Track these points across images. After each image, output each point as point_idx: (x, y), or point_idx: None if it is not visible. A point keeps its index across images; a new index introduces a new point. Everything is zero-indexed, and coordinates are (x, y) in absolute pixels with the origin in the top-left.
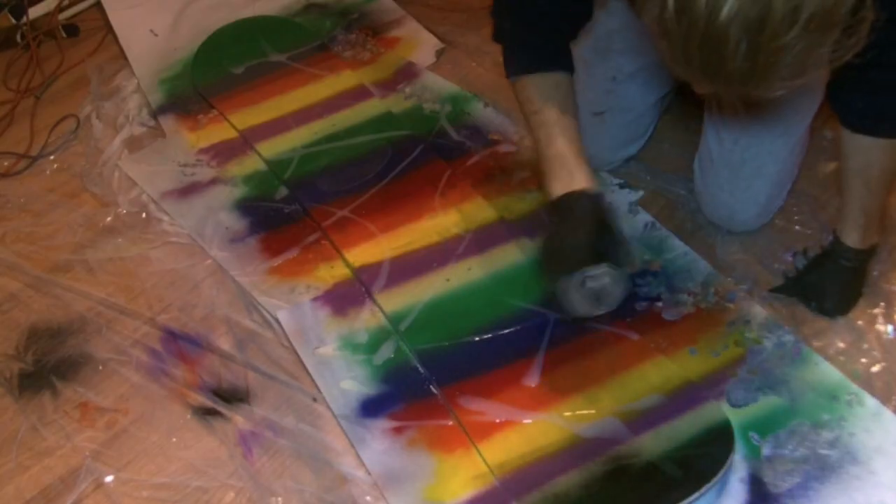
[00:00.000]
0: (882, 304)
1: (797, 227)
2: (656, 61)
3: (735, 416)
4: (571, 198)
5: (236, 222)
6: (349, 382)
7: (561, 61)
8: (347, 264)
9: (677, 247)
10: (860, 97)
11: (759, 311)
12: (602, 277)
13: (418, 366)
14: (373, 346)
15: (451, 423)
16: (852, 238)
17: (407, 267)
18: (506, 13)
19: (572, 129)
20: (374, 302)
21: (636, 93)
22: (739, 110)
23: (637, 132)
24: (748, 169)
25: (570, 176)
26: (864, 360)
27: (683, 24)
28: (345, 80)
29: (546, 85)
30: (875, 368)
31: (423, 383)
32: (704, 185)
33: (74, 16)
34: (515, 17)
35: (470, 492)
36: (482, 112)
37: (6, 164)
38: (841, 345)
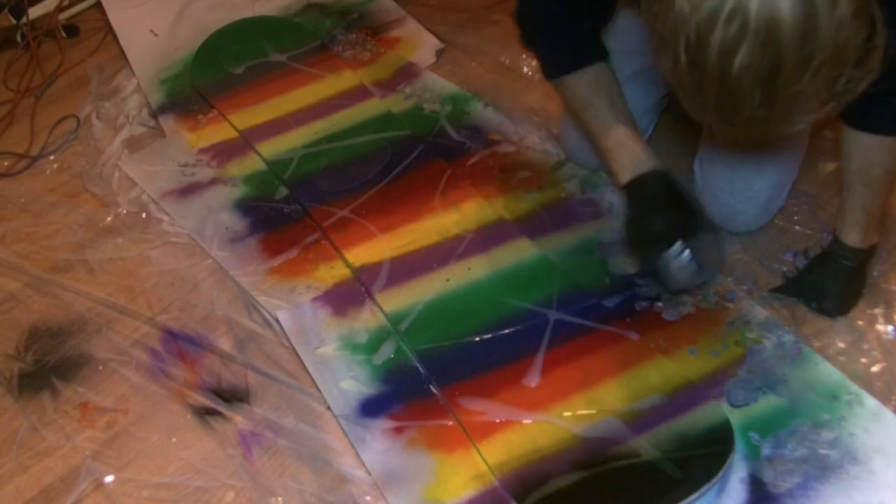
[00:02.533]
0: (882, 304)
1: (797, 227)
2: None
3: (735, 416)
4: (644, 179)
5: (236, 222)
6: (349, 382)
7: (595, 54)
8: (347, 264)
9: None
10: (862, 96)
11: (759, 311)
12: (700, 243)
13: (418, 366)
14: (373, 346)
15: (451, 423)
16: (852, 237)
17: (407, 267)
18: (531, 17)
19: (624, 116)
20: (374, 302)
21: (636, 94)
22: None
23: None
24: (748, 169)
25: (636, 159)
26: (864, 360)
27: (696, 76)
28: (345, 80)
29: (588, 80)
30: (875, 368)
31: (423, 383)
32: (704, 185)
33: (74, 16)
34: (542, 20)
35: (470, 492)
36: (482, 112)
37: (6, 164)
38: (841, 345)
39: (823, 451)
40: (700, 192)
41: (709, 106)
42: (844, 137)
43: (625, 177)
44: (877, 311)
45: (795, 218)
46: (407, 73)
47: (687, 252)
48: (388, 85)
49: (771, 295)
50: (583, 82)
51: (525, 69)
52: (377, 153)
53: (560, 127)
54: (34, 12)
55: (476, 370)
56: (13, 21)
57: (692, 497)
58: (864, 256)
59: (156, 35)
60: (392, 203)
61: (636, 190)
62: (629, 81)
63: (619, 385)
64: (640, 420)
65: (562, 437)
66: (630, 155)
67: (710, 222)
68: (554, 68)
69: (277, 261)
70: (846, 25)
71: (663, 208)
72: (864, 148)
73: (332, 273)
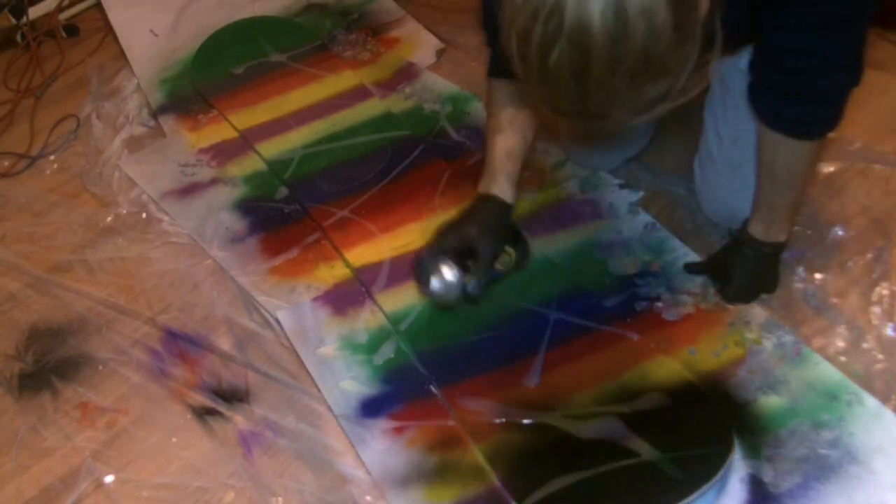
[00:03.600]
0: (882, 304)
1: (797, 228)
2: None
3: (735, 416)
4: (483, 198)
5: (236, 222)
6: (349, 382)
7: None
8: (347, 264)
9: (677, 247)
10: (772, 95)
11: (759, 311)
12: (447, 274)
13: (418, 366)
14: (373, 346)
15: (451, 423)
16: (756, 229)
17: (407, 267)
18: (486, 20)
19: (513, 138)
20: (374, 302)
21: None
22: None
23: (638, 136)
24: (748, 168)
25: (491, 179)
26: (864, 359)
27: (522, 66)
28: (345, 80)
29: (507, 91)
30: (875, 368)
31: (423, 383)
32: (704, 183)
33: (74, 16)
34: (490, 24)
35: (470, 492)
36: (482, 112)
37: (6, 164)
38: (841, 345)
39: (823, 451)
40: (700, 190)
41: (533, 94)
42: (758, 132)
43: (479, 188)
44: (877, 310)
45: (795, 218)
46: (407, 73)
47: (435, 270)
48: (388, 85)
49: (770, 296)
50: (501, 91)
51: None
52: (377, 153)
53: (561, 129)
54: (34, 12)
55: (476, 370)
56: (13, 21)
57: (692, 497)
58: (769, 250)
59: (156, 35)
60: (392, 203)
61: (474, 203)
62: None
63: (619, 385)
64: (640, 420)
65: (562, 438)
66: (489, 173)
67: (485, 272)
68: (489, 69)
69: (277, 261)
70: (662, 37)
71: (470, 227)
72: (771, 144)
73: (332, 273)
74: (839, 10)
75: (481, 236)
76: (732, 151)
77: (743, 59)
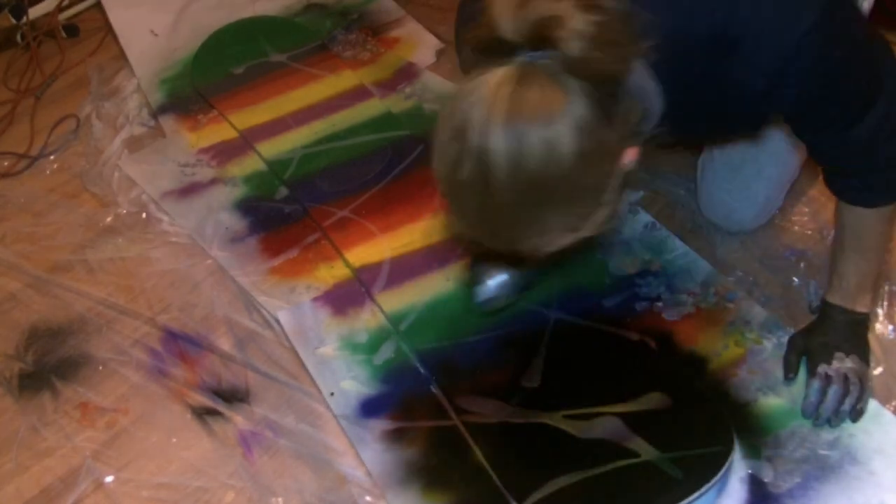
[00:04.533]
0: (882, 304)
1: (796, 228)
2: None
3: (735, 416)
4: None
5: (236, 222)
6: (349, 382)
7: None
8: (347, 264)
9: (677, 247)
10: (835, 175)
11: (759, 311)
12: (499, 276)
13: (418, 366)
14: (373, 346)
15: (451, 423)
16: (843, 301)
17: (407, 267)
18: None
19: None
20: (374, 302)
21: None
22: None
23: None
24: (748, 170)
25: None
26: None
27: (440, 182)
28: (345, 80)
29: None
30: (875, 369)
31: (423, 383)
32: (704, 183)
33: (74, 16)
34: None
35: (470, 492)
36: None
37: (6, 164)
38: None
39: (823, 452)
40: (699, 190)
41: (453, 213)
42: (838, 209)
43: None
44: (877, 310)
45: (795, 218)
46: (407, 73)
47: (504, 276)
48: (388, 85)
49: (769, 295)
50: None
51: None
52: (377, 153)
53: None
54: (34, 12)
55: (476, 370)
56: (13, 21)
57: (692, 497)
58: (857, 316)
59: (156, 35)
60: (392, 203)
61: None
62: None
63: (619, 385)
64: (640, 420)
65: (562, 438)
66: None
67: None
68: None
69: (277, 261)
70: (561, 164)
71: None
72: (855, 217)
73: (332, 273)
74: (853, 98)
75: None
76: (733, 153)
77: None
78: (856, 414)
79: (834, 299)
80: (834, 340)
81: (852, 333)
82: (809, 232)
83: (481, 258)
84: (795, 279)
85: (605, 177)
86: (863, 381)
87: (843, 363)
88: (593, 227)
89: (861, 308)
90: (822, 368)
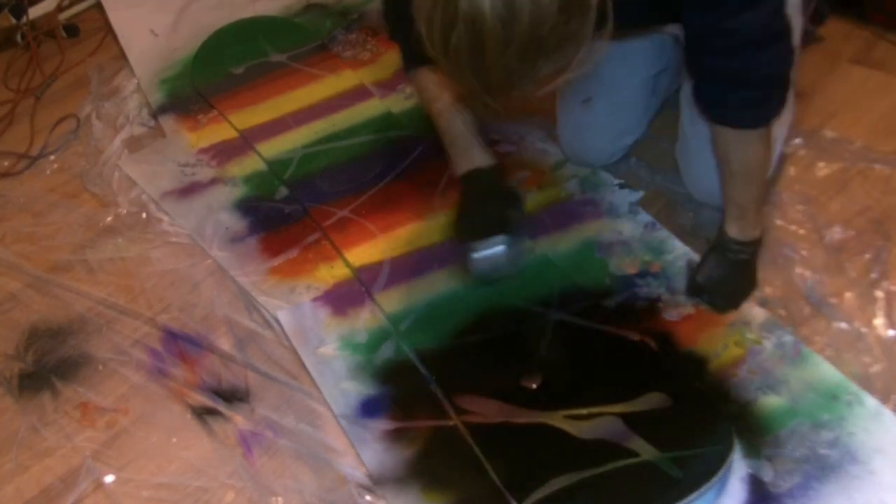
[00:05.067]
0: (882, 304)
1: (793, 227)
2: (635, 37)
3: (735, 416)
4: (473, 175)
5: (236, 222)
6: (349, 382)
7: None
8: (347, 264)
9: (677, 247)
10: (707, 85)
11: (759, 312)
12: (498, 248)
13: (418, 366)
14: (373, 346)
15: (451, 423)
16: (731, 229)
17: (407, 267)
18: (393, 13)
19: (466, 112)
20: (374, 302)
21: (620, 72)
22: None
23: (630, 122)
24: None
25: (469, 155)
26: (864, 359)
27: (431, 50)
28: (345, 80)
29: (434, 77)
30: (875, 368)
31: (423, 383)
32: (682, 161)
33: (74, 16)
34: (400, 17)
35: (470, 492)
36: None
37: (6, 164)
38: (841, 345)
39: (823, 451)
40: (681, 168)
41: (445, 72)
42: (717, 139)
43: (460, 169)
44: (877, 310)
45: (793, 217)
46: None
47: (500, 247)
48: (388, 85)
49: (768, 297)
50: (434, 77)
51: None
52: (377, 153)
53: (558, 125)
54: (34, 12)
55: (476, 370)
56: (13, 21)
57: (692, 497)
58: (748, 249)
59: (156, 35)
60: (392, 203)
61: (469, 182)
62: (609, 59)
63: (619, 385)
64: (640, 420)
65: (562, 438)
66: (465, 150)
67: (522, 219)
68: (409, 61)
69: (277, 261)
70: (548, 18)
71: (484, 205)
72: (721, 140)
73: (332, 273)
74: None
75: (500, 209)
76: (702, 125)
77: None
78: None
79: (730, 230)
80: (730, 281)
81: (744, 267)
82: (808, 232)
83: (472, 231)
84: (795, 279)
85: (584, 20)
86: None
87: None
88: (577, 67)
89: (757, 232)
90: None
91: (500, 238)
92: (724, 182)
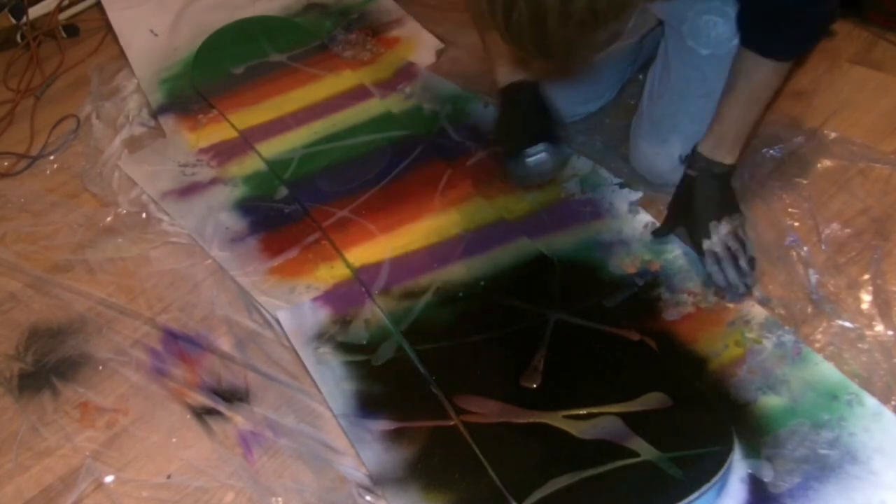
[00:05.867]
0: (882, 304)
1: (796, 223)
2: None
3: (735, 416)
4: (517, 86)
5: (236, 222)
6: (349, 382)
7: None
8: (347, 264)
9: (677, 246)
10: (755, 14)
11: (759, 311)
12: (541, 153)
13: (418, 366)
14: (373, 346)
15: (451, 423)
16: (705, 146)
17: (407, 267)
18: None
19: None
20: (374, 302)
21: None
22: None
23: (595, 92)
24: (666, 123)
25: (511, 69)
26: (863, 359)
27: (494, 24)
28: (345, 80)
29: None
30: (875, 368)
31: (423, 383)
32: (633, 135)
33: (74, 16)
34: None
35: (470, 492)
36: (482, 112)
37: (6, 164)
38: (841, 345)
39: (823, 451)
40: (630, 143)
41: (506, 42)
42: (739, 58)
43: (502, 81)
44: (876, 311)
45: (793, 216)
46: (407, 73)
47: (543, 153)
48: (388, 85)
49: (768, 297)
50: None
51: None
52: (377, 153)
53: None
54: (34, 12)
55: (476, 370)
56: (13, 21)
57: (692, 497)
58: (717, 169)
59: (156, 35)
60: (392, 203)
61: (509, 94)
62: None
63: (619, 385)
64: (640, 420)
65: (561, 438)
66: (507, 65)
67: (563, 133)
68: None
69: (277, 261)
70: None
71: (528, 112)
72: (746, 65)
73: (332, 273)
74: None
75: (542, 117)
76: (656, 107)
77: (684, 31)
78: (752, 263)
79: (704, 148)
80: (704, 211)
81: (718, 192)
82: (804, 230)
83: (515, 138)
84: (795, 278)
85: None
86: (740, 235)
87: (718, 231)
88: (630, 33)
89: (729, 160)
90: (706, 245)
91: (543, 145)
92: (722, 105)
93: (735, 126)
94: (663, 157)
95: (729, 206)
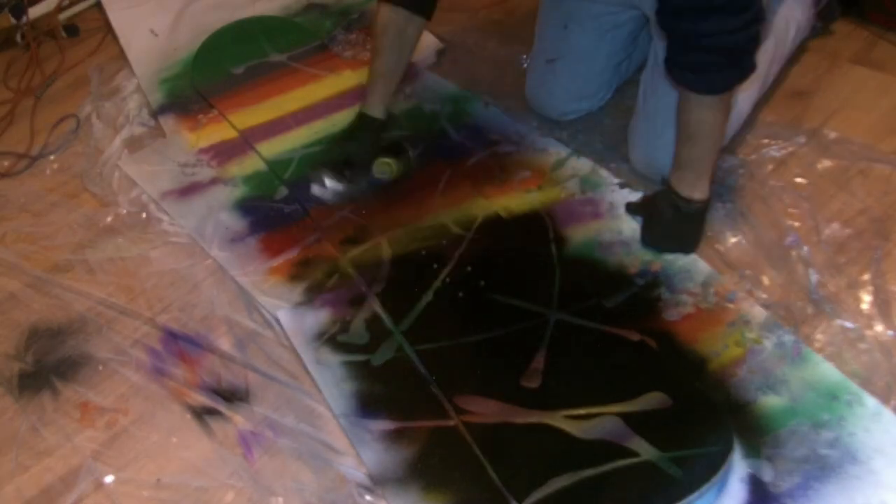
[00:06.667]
0: (882, 304)
1: (796, 223)
2: (608, 11)
3: (735, 416)
4: (359, 116)
5: (236, 222)
6: (349, 382)
7: (423, 9)
8: (346, 262)
9: None
10: (675, 47)
11: (759, 311)
12: (328, 183)
13: (418, 366)
14: (373, 346)
15: (451, 423)
16: (678, 184)
17: (406, 266)
18: None
19: (390, 57)
20: (374, 301)
21: (588, 42)
22: None
23: (589, 89)
24: (661, 118)
25: (366, 99)
26: (863, 359)
27: None
28: (345, 80)
29: (391, 15)
30: (875, 368)
31: (423, 383)
32: (630, 134)
33: (74, 16)
34: None
35: (470, 492)
36: (482, 112)
37: (6, 164)
38: (841, 345)
39: (823, 451)
40: (628, 141)
41: None
42: (680, 102)
43: (362, 104)
44: (875, 311)
45: (793, 216)
46: (407, 73)
47: (334, 183)
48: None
49: (767, 298)
50: (389, 16)
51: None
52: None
53: (526, 78)
54: (34, 12)
55: (476, 370)
56: (13, 21)
57: (692, 497)
58: (689, 207)
59: (156, 35)
60: (392, 203)
61: (354, 121)
62: (580, 29)
63: (619, 385)
64: (640, 420)
65: (562, 438)
66: (373, 92)
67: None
68: None
69: (277, 261)
70: None
71: (353, 143)
72: (685, 103)
73: (332, 273)
74: None
75: (356, 150)
76: (649, 103)
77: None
78: None
79: (675, 182)
80: (665, 234)
81: (685, 224)
82: (804, 230)
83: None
84: (795, 278)
85: None
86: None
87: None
88: None
89: (699, 195)
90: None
91: (335, 181)
92: (678, 143)
93: (696, 163)
94: (661, 151)
95: (692, 237)
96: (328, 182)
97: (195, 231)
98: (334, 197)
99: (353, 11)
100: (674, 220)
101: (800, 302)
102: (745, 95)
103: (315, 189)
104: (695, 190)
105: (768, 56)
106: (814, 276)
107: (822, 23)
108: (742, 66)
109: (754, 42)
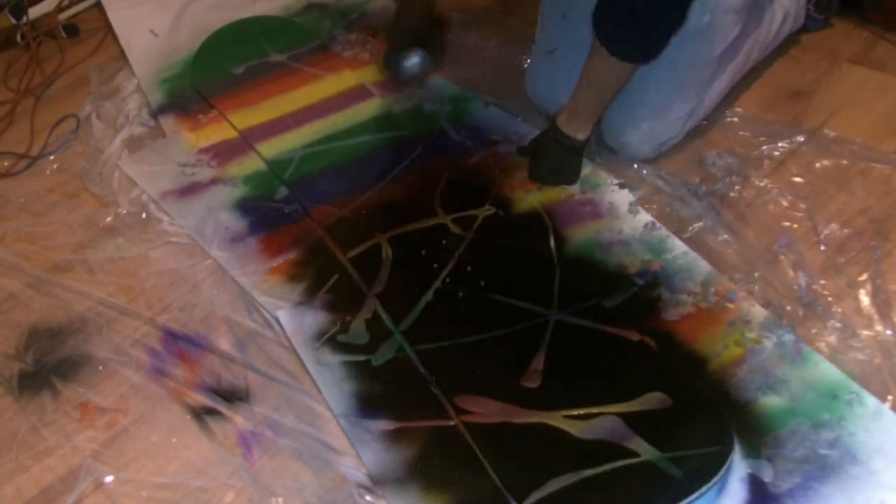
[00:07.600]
0: (881, 304)
1: (795, 225)
2: None
3: (735, 416)
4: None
5: (236, 222)
6: (349, 382)
7: None
8: (346, 263)
9: (677, 247)
10: (604, 18)
11: (759, 311)
12: (415, 59)
13: (418, 366)
14: (373, 346)
15: (451, 423)
16: (561, 119)
17: (407, 267)
18: None
19: None
20: (374, 302)
21: (588, 32)
22: None
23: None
24: (634, 96)
25: None
26: (863, 359)
27: None
28: (345, 80)
29: None
30: (873, 368)
31: (423, 383)
32: (604, 114)
33: (74, 16)
34: None
35: (470, 492)
36: (482, 112)
37: (6, 164)
38: (840, 344)
39: (823, 451)
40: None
41: None
42: (593, 54)
43: None
44: (874, 310)
45: (792, 216)
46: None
47: (416, 59)
48: (388, 85)
49: (768, 298)
50: None
51: (525, 68)
52: (377, 153)
53: (527, 70)
54: (34, 12)
55: (476, 370)
56: (13, 21)
57: (692, 497)
58: (568, 142)
59: (156, 35)
60: (392, 203)
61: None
62: (580, 18)
63: (619, 385)
64: (640, 420)
65: (562, 438)
66: None
67: (440, 46)
68: None
69: (277, 261)
70: None
71: (418, 18)
72: (598, 60)
73: (331, 273)
74: None
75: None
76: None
77: None
78: None
79: (561, 122)
80: (552, 168)
81: (567, 159)
82: (803, 230)
83: (400, 38)
84: (795, 278)
85: None
86: None
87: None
88: None
89: (581, 136)
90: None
91: (420, 52)
92: (577, 87)
93: (585, 107)
94: (631, 129)
95: (572, 173)
96: (415, 59)
97: (195, 231)
98: (417, 71)
99: (353, 11)
100: (561, 156)
101: (799, 302)
102: (720, 79)
103: (405, 65)
104: (579, 132)
105: (749, 40)
106: (813, 276)
107: (820, 16)
108: (665, 43)
109: (674, 22)
